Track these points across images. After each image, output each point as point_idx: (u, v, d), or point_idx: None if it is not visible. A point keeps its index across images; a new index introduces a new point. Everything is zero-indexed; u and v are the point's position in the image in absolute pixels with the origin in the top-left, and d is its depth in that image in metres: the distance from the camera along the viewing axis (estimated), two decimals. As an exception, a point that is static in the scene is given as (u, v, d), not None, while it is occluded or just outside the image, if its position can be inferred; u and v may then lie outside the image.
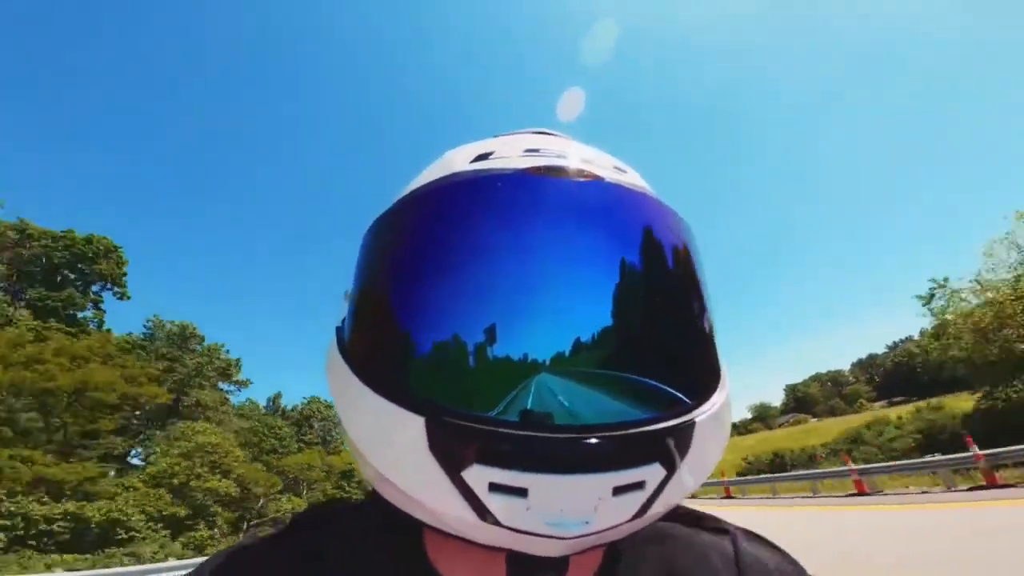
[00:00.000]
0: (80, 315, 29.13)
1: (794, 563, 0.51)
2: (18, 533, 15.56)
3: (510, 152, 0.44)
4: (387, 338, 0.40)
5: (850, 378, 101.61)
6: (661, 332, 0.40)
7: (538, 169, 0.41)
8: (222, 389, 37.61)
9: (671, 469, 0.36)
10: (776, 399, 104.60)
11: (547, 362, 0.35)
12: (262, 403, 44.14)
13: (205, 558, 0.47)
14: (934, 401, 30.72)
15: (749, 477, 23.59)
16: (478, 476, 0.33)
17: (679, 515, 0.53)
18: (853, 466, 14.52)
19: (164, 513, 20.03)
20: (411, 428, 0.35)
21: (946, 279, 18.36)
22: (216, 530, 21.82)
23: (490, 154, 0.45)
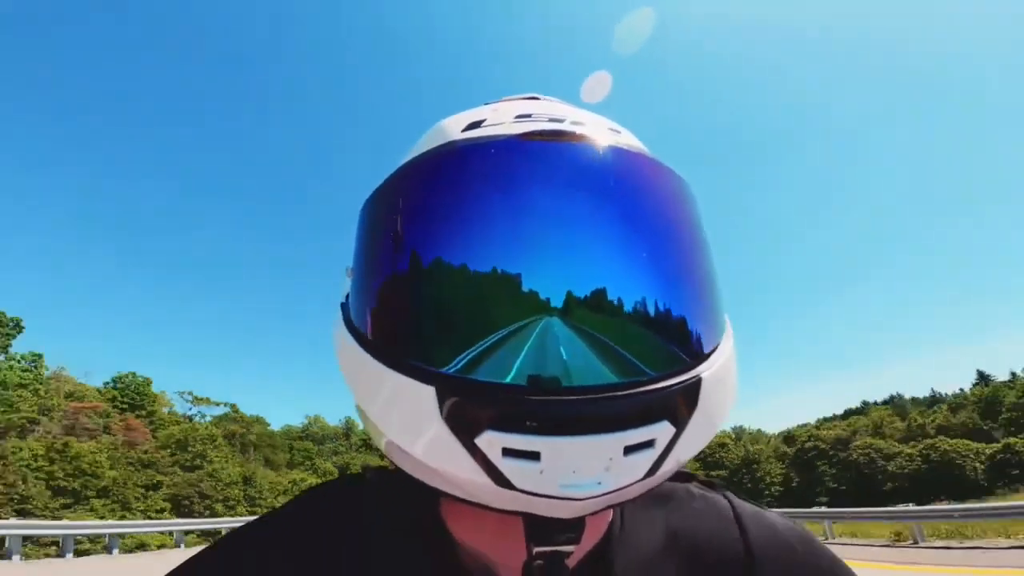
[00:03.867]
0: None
1: (791, 520, 0.53)
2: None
3: (502, 119, 0.45)
4: (392, 309, 0.41)
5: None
6: (663, 289, 0.40)
7: (531, 134, 0.41)
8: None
9: (680, 426, 0.36)
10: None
11: (553, 325, 0.36)
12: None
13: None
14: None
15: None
16: (491, 442, 0.33)
17: (676, 475, 0.52)
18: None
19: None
20: (423, 398, 0.35)
21: None
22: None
23: (482, 122, 0.45)
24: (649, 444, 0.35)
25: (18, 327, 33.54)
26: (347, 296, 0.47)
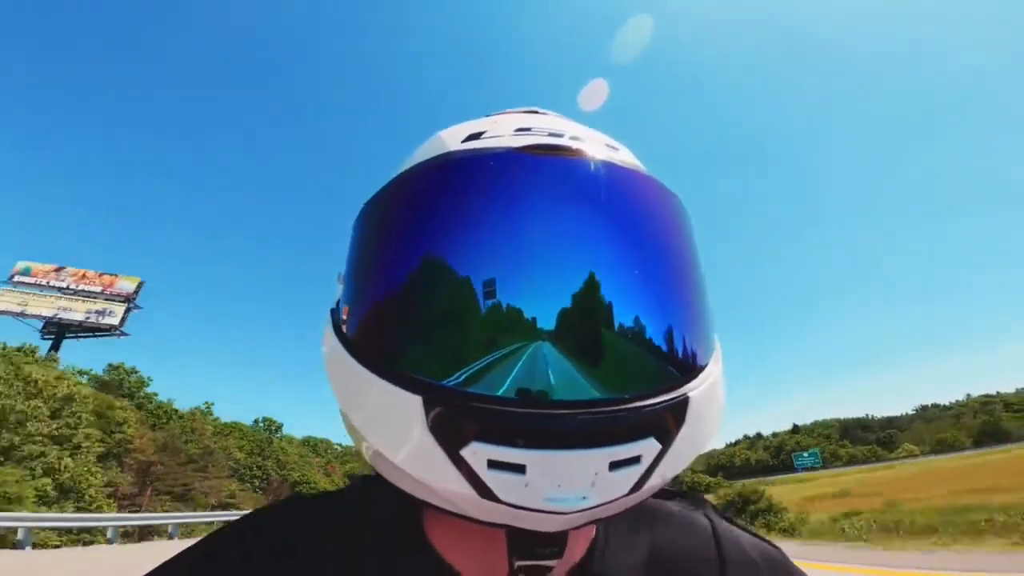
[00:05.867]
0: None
1: (768, 541, 0.55)
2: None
3: (502, 131, 0.45)
4: (381, 318, 0.41)
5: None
6: (654, 307, 0.40)
7: (530, 147, 0.42)
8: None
9: (666, 444, 0.37)
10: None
11: (543, 338, 0.36)
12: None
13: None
14: None
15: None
16: (476, 453, 0.34)
17: (660, 491, 0.54)
18: None
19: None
20: (409, 408, 0.35)
21: None
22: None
23: (482, 133, 0.45)
24: (635, 460, 0.35)
25: (281, 425, 76.64)
26: (338, 302, 0.48)
